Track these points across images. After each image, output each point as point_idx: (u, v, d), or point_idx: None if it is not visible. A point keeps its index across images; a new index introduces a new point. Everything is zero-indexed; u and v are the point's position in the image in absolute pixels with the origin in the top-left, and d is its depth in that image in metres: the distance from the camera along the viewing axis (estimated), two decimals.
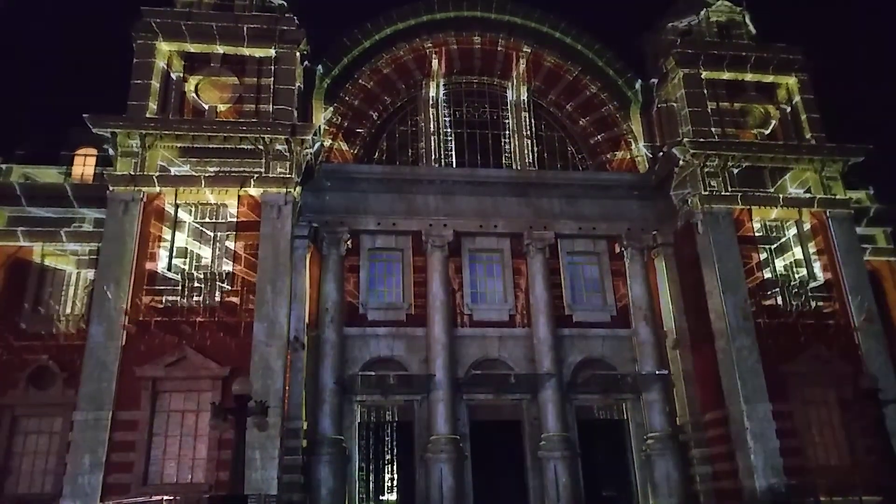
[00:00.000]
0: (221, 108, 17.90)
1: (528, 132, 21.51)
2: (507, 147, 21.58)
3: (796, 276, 18.48)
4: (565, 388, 18.19)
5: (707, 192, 18.45)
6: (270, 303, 15.79)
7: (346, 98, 20.94)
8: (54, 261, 18.05)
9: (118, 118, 16.77)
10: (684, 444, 18.08)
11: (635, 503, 18.05)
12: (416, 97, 21.78)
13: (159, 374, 15.09)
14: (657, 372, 18.18)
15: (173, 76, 17.93)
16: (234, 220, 16.77)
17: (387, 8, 21.28)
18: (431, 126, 21.07)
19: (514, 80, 21.99)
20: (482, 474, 17.54)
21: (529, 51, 21.97)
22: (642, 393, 18.57)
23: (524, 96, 21.88)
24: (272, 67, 18.19)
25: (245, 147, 17.20)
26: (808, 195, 18.93)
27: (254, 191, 16.87)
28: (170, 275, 15.92)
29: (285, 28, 18.38)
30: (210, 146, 17.07)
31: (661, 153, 20.21)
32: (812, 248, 18.65)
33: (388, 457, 17.94)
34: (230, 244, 16.56)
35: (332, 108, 20.62)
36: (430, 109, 21.26)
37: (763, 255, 18.43)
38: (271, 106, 17.75)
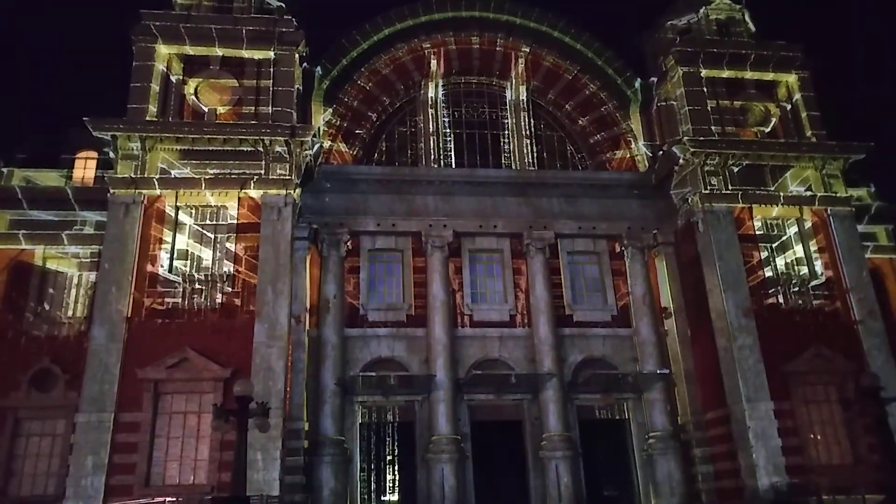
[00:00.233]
0: (221, 110, 17.95)
1: (528, 132, 21.50)
2: (506, 147, 21.57)
3: (797, 274, 18.45)
4: (566, 388, 18.18)
5: (707, 191, 18.41)
6: (271, 304, 15.82)
7: (345, 99, 20.96)
8: (56, 263, 18.11)
9: (118, 121, 16.83)
10: (686, 444, 18.06)
11: (637, 503, 18.03)
12: (415, 98, 21.79)
13: (161, 376, 15.13)
14: (658, 371, 18.15)
15: (173, 79, 17.98)
16: (235, 221, 16.81)
17: (385, 9, 21.31)
18: (430, 126, 21.07)
19: (513, 80, 21.98)
20: (483, 474, 17.54)
21: (528, 50, 21.95)
22: (643, 392, 18.55)
23: (523, 96, 21.86)
24: (271, 69, 18.22)
25: (245, 149, 17.24)
26: (808, 193, 18.87)
27: (254, 192, 16.91)
28: (171, 277, 15.99)
29: (284, 30, 18.41)
30: (210, 148, 17.12)
31: (661, 152, 20.18)
32: (813, 246, 18.61)
33: (389, 457, 17.95)
34: (230, 246, 16.62)
35: (331, 110, 20.65)
36: (430, 110, 21.26)
37: (764, 254, 18.39)
38: (270, 108, 17.78)
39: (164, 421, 14.95)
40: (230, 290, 16.05)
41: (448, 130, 21.50)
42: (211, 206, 17.14)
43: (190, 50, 18.15)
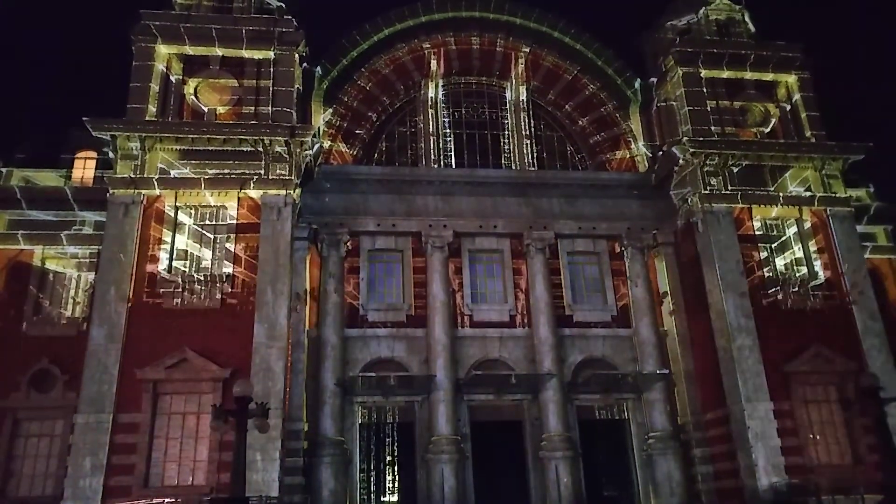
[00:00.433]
0: (221, 110, 17.92)
1: (528, 132, 21.50)
2: (506, 147, 21.56)
3: (797, 274, 18.45)
4: (566, 388, 18.17)
5: (707, 191, 18.42)
6: (271, 304, 15.80)
7: (345, 99, 20.95)
8: (55, 264, 18.08)
9: (118, 121, 16.79)
10: (686, 444, 18.06)
11: (637, 503, 18.03)
12: (415, 98, 21.78)
13: (160, 376, 15.09)
14: (658, 371, 18.15)
15: (172, 79, 17.95)
16: (234, 221, 16.78)
17: (385, 9, 21.30)
18: (430, 127, 21.06)
19: (513, 80, 21.98)
20: (483, 475, 17.52)
21: (528, 50, 21.95)
22: (643, 392, 18.55)
23: (523, 96, 21.86)
24: (271, 69, 18.20)
25: (244, 149, 17.22)
26: (808, 193, 18.89)
27: (253, 193, 16.88)
28: (170, 277, 15.95)
29: (284, 30, 18.40)
30: (209, 148, 17.09)
31: (661, 152, 20.19)
32: (813, 247, 18.63)
33: (389, 458, 17.94)
34: (230, 246, 16.58)
35: (331, 110, 20.63)
36: (430, 110, 21.25)
37: (763, 254, 18.40)
38: (270, 108, 17.76)
39: (163, 421, 14.91)
40: (229, 290, 16.02)
41: (448, 130, 21.49)
42: (210, 207, 17.11)
43: (190, 50, 18.12)
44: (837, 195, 18.97)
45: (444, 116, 21.57)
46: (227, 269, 16.29)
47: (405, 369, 17.89)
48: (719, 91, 19.83)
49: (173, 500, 13.76)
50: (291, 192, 17.00)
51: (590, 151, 21.94)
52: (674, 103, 20.20)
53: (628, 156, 21.54)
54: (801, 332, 17.22)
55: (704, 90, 19.64)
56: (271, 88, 17.99)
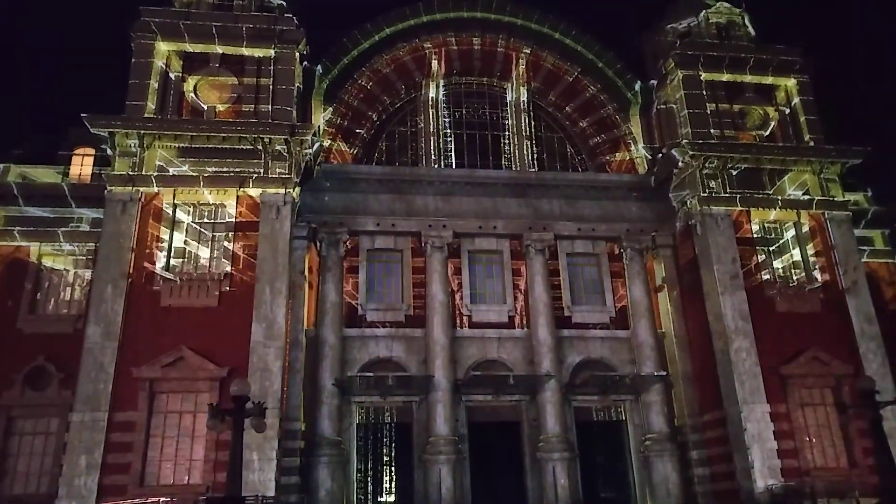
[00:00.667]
0: (220, 108, 17.84)
1: (528, 133, 21.51)
2: (506, 148, 21.57)
3: (794, 277, 18.52)
4: (564, 389, 18.17)
5: (706, 194, 18.48)
6: (269, 303, 15.74)
7: (346, 98, 20.90)
8: (51, 261, 17.97)
9: (116, 118, 16.70)
10: (683, 446, 18.10)
11: None
12: (416, 98, 21.75)
13: (156, 375, 15.01)
14: (656, 373, 18.18)
15: (172, 76, 17.87)
16: (233, 220, 16.70)
17: (387, 9, 21.28)
18: (431, 127, 21.04)
19: (514, 81, 21.99)
20: (481, 475, 17.51)
21: (529, 52, 21.97)
22: (641, 394, 18.57)
23: (524, 97, 21.88)
24: (271, 67, 18.14)
25: (244, 147, 17.15)
26: (806, 197, 18.98)
27: (252, 191, 16.81)
28: (167, 275, 15.86)
29: (284, 28, 18.34)
30: (209, 146, 17.01)
31: (661, 155, 20.23)
32: (810, 250, 18.70)
33: (386, 458, 17.90)
34: (228, 244, 16.50)
35: (331, 109, 20.58)
36: (430, 110, 21.24)
37: (761, 257, 18.46)
38: (270, 106, 17.71)
39: (160, 420, 14.83)
40: (227, 289, 15.94)
41: (448, 131, 21.48)
42: (209, 205, 17.03)
43: (189, 47, 18.04)
44: (835, 199, 19.06)
45: (444, 116, 21.56)
46: (226, 267, 16.21)
47: (403, 369, 17.86)
48: (719, 94, 19.91)
49: (169, 499, 13.68)
50: (291, 190, 16.94)
51: (590, 153, 21.97)
52: (674, 106, 20.26)
53: (628, 158, 21.58)
54: (797, 335, 17.28)
55: (704, 93, 19.70)
56: (271, 87, 17.94)
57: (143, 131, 16.66)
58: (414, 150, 21.19)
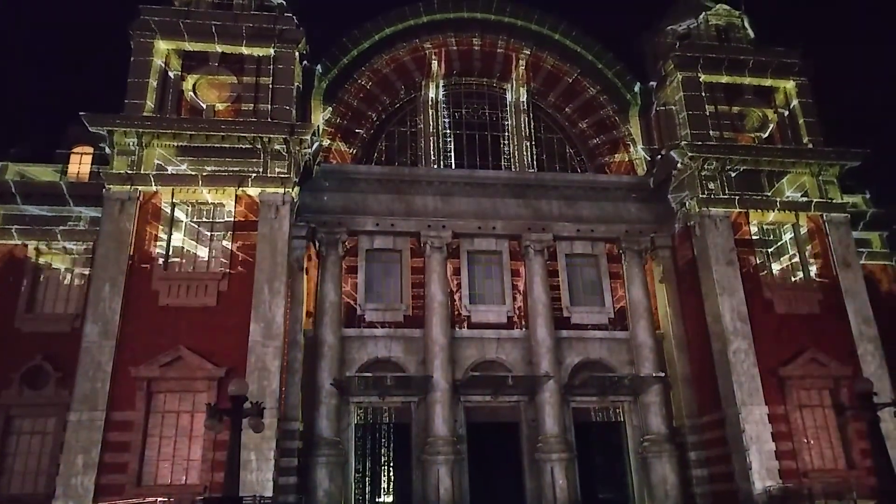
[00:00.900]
0: (219, 107, 17.82)
1: (528, 134, 21.52)
2: (506, 149, 21.57)
3: (793, 279, 18.55)
4: (563, 390, 18.17)
5: (705, 195, 18.51)
6: (267, 303, 15.71)
7: (345, 98, 20.88)
8: (49, 259, 17.93)
9: (115, 116, 16.66)
10: (681, 447, 18.10)
11: None
12: (416, 98, 21.74)
13: (154, 375, 14.97)
14: (654, 374, 18.19)
15: (171, 75, 17.84)
16: (232, 219, 16.68)
17: (387, 8, 21.27)
18: (430, 127, 21.04)
19: (514, 82, 22.00)
20: (479, 476, 17.49)
21: (529, 52, 21.98)
22: (639, 395, 18.58)
23: (524, 98, 21.89)
24: (271, 67, 18.12)
25: (243, 146, 17.13)
26: (805, 199, 19.03)
27: (251, 190, 16.79)
28: (166, 274, 15.81)
29: (284, 27, 18.33)
30: (207, 145, 16.99)
31: (660, 156, 20.26)
32: (808, 252, 18.75)
33: (384, 459, 17.88)
34: (227, 244, 16.47)
35: (330, 109, 20.56)
36: (430, 110, 21.24)
37: (760, 258, 18.50)
38: (270, 105, 17.69)
39: (157, 420, 14.79)
40: (226, 288, 15.91)
41: (448, 131, 21.47)
42: (208, 204, 16.99)
43: (189, 46, 18.01)
44: (834, 201, 19.11)
45: (444, 117, 21.55)
46: (224, 267, 16.18)
47: (402, 370, 17.84)
48: (718, 96, 19.95)
49: (166, 499, 13.65)
50: (290, 190, 16.92)
51: (589, 154, 21.98)
52: (673, 107, 20.29)
53: (627, 159, 21.61)
54: (796, 337, 17.32)
55: (703, 95, 19.75)
56: (271, 86, 17.91)
57: (141, 130, 16.63)
58: (413, 150, 21.18)
